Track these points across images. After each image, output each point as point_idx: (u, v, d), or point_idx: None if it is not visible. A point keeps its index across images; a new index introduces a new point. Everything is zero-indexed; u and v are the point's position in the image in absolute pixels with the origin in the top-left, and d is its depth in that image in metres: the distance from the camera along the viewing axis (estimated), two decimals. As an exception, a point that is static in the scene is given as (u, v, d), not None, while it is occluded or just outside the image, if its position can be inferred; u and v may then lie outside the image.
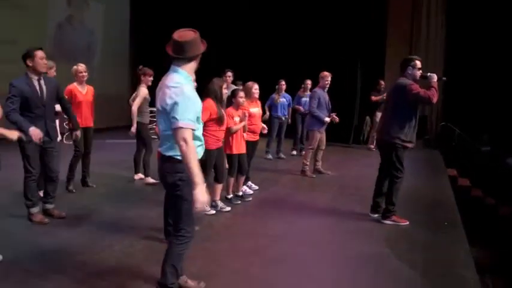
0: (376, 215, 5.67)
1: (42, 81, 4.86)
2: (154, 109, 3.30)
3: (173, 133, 2.99)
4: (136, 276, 3.75)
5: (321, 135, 8.03)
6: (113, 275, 3.76)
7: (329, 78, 7.89)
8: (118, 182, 7.14)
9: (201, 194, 2.89)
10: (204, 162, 5.27)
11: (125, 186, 6.91)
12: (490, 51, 12.59)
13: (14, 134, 3.98)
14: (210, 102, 5.30)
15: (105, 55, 14.21)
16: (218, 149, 5.51)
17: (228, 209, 5.74)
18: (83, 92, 6.35)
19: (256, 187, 6.92)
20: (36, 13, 11.74)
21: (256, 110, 6.38)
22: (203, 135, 3.42)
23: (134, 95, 6.93)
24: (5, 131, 3.94)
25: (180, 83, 3.04)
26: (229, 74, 8.39)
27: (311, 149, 8.02)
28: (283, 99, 9.58)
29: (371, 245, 4.79)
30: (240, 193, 6.33)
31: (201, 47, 3.15)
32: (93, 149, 6.72)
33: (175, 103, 2.97)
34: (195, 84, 3.86)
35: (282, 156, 9.82)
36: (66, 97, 5.68)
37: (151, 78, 6.87)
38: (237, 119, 5.87)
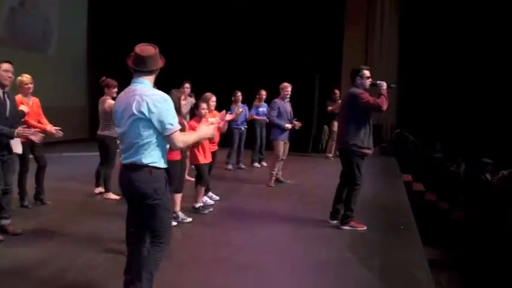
0: (335, 221, 5.81)
1: (5, 94, 4.78)
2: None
3: (169, 138, 3.11)
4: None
5: (284, 146, 8.14)
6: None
7: (289, 89, 8.02)
8: (77, 196, 7.00)
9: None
10: (168, 174, 5.36)
11: (84, 200, 6.80)
12: (443, 61, 13.16)
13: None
14: None
15: (61, 53, 13.51)
16: (181, 159, 5.54)
17: (189, 219, 5.76)
18: (30, 103, 6.01)
19: (217, 197, 6.96)
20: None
21: (214, 120, 6.43)
22: None
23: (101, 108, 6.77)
24: None
25: (156, 91, 3.14)
26: (187, 85, 8.44)
27: (277, 158, 8.10)
28: (241, 109, 9.64)
29: (331, 251, 4.92)
30: (201, 204, 6.36)
31: (160, 63, 3.23)
32: (50, 163, 6.57)
33: (167, 109, 3.08)
34: None
35: (242, 166, 9.89)
36: None
37: (116, 90, 6.64)
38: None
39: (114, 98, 6.57)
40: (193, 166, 6.50)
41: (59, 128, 5.98)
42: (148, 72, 3.19)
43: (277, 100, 8.11)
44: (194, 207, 6.12)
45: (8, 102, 4.80)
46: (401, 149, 12.82)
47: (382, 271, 4.38)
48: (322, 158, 11.98)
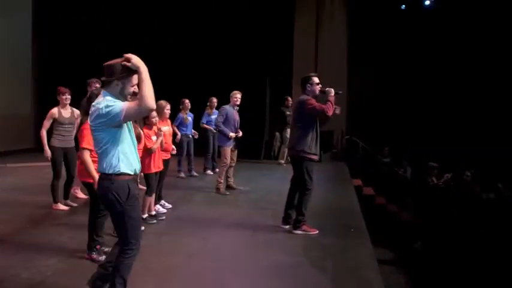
0: (287, 226, 5.88)
1: None
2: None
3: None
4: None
5: (232, 152, 8.17)
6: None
7: (238, 96, 8.07)
8: (23, 207, 6.76)
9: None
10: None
11: (31, 212, 6.56)
12: (390, 68, 13.60)
13: None
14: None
15: (2, 63, 12.81)
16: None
17: (142, 228, 5.65)
18: None
19: (170, 206, 6.89)
20: None
21: (167, 128, 6.39)
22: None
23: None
24: None
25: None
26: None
27: (224, 165, 8.11)
28: (189, 118, 9.60)
29: (284, 255, 4.97)
30: (153, 212, 6.28)
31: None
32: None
33: None
34: None
35: (195, 174, 9.83)
36: None
37: (66, 96, 6.49)
38: (154, 137, 5.87)
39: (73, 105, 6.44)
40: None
41: None
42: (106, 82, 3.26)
43: (226, 106, 8.15)
44: (142, 218, 6.02)
45: None
46: (351, 154, 13.12)
47: (334, 273, 4.48)
48: (274, 164, 12.08)
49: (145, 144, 5.73)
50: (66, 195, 6.82)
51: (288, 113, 11.58)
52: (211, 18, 13.02)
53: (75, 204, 6.81)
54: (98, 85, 6.47)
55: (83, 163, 4.34)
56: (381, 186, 11.08)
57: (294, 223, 5.75)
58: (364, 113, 13.23)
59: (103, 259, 4.32)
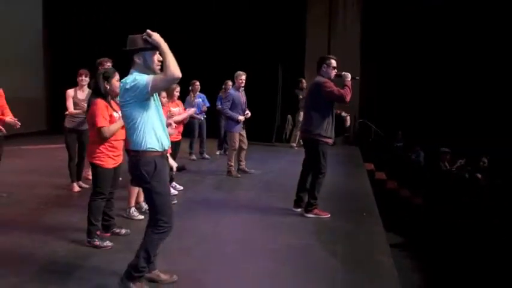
0: (299, 210, 5.85)
1: None
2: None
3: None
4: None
5: (241, 136, 8.13)
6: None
7: (243, 77, 7.98)
8: (36, 188, 6.82)
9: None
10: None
11: (44, 193, 6.61)
12: (405, 52, 13.39)
13: None
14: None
15: (14, 48, 12.87)
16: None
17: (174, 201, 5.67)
18: None
19: (181, 187, 6.90)
20: None
21: (177, 109, 6.36)
22: None
23: None
24: None
25: None
26: None
27: (233, 150, 8.10)
28: (198, 99, 9.55)
29: (295, 239, 4.95)
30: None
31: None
32: (8, 156, 6.37)
33: None
34: None
35: (206, 156, 9.83)
36: None
37: (82, 78, 6.46)
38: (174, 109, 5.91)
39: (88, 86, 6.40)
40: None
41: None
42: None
43: (231, 91, 8.09)
44: None
45: None
46: (363, 138, 13.03)
47: (345, 257, 4.44)
48: (286, 147, 12.05)
49: None
50: (79, 176, 6.86)
51: (301, 96, 11.49)
52: (226, 3, 12.92)
53: (87, 186, 6.84)
54: (109, 64, 6.47)
55: (109, 136, 4.33)
56: (393, 170, 11.00)
57: (306, 206, 5.72)
58: (378, 96, 13.08)
59: (107, 244, 4.35)
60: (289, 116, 12.75)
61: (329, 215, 5.70)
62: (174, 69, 3.03)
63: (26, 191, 6.67)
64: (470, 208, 9.10)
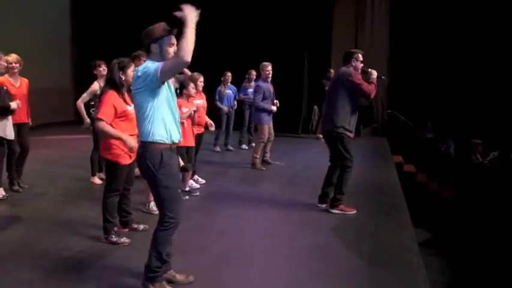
0: (324, 205, 5.65)
1: None
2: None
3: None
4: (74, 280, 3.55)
5: (269, 127, 7.95)
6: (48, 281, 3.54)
7: (269, 68, 7.80)
8: (58, 180, 6.79)
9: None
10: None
11: (66, 185, 6.57)
12: (434, 42, 12.93)
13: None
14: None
15: (43, 40, 12.86)
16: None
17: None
18: (16, 85, 5.87)
19: (203, 181, 6.76)
20: None
21: (200, 102, 6.21)
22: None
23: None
24: None
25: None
26: None
27: (261, 142, 7.92)
28: (229, 90, 9.44)
29: (319, 236, 4.76)
30: (187, 188, 6.17)
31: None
32: (33, 147, 6.32)
33: None
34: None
35: (231, 148, 9.69)
36: None
37: (103, 67, 6.34)
38: (185, 109, 5.71)
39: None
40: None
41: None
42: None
43: (260, 83, 7.90)
44: (183, 191, 5.95)
45: None
46: (392, 129, 12.68)
47: (371, 256, 4.24)
48: (313, 139, 11.81)
49: None
50: (101, 168, 6.79)
51: (327, 87, 11.20)
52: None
53: None
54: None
55: (103, 132, 4.15)
56: (422, 163, 10.66)
57: (332, 202, 5.52)
58: (406, 87, 12.65)
59: (124, 241, 4.24)
60: (315, 107, 12.48)
61: (355, 211, 5.48)
62: (185, 52, 2.86)
63: (48, 182, 6.64)
64: (504, 202, 8.73)
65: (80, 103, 6.42)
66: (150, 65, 3.06)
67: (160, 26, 3.16)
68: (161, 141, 3.14)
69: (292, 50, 12.51)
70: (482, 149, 10.61)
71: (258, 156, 7.94)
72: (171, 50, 3.14)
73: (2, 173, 5.80)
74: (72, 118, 13.20)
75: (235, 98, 9.67)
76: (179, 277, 3.52)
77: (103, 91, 4.29)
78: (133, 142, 4.01)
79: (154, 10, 12.70)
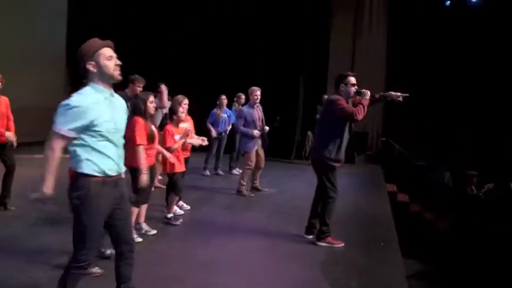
0: (310, 237, 5.42)
1: None
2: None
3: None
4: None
5: (258, 154, 7.72)
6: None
7: (258, 93, 7.62)
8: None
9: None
10: (135, 183, 4.90)
11: (45, 208, 6.28)
12: (429, 71, 12.86)
13: None
14: (139, 120, 4.94)
15: (34, 54, 12.69)
16: (150, 167, 5.11)
17: (154, 232, 5.32)
18: None
19: (188, 207, 6.53)
20: None
21: (187, 125, 6.02)
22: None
23: None
24: None
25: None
26: (163, 87, 7.77)
27: (249, 169, 7.69)
28: (224, 114, 9.23)
29: (305, 270, 4.53)
30: (170, 215, 5.92)
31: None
32: (19, 165, 6.08)
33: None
34: None
35: (220, 173, 9.46)
36: None
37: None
38: (177, 136, 5.53)
39: None
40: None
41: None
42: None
43: (244, 108, 7.72)
44: (166, 218, 5.72)
45: None
46: (386, 157, 12.50)
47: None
48: (305, 165, 11.55)
49: (166, 142, 5.42)
50: None
51: (318, 115, 11.08)
52: (246, 13, 12.59)
53: None
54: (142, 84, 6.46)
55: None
56: (416, 192, 10.44)
57: (318, 234, 5.27)
58: (402, 114, 12.50)
59: (96, 271, 3.98)
60: (309, 132, 12.32)
61: (343, 244, 5.24)
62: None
63: (28, 204, 6.35)
64: (499, 236, 8.49)
65: None
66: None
67: (93, 41, 2.92)
68: (91, 174, 2.87)
69: (288, 75, 12.40)
70: (477, 180, 10.40)
71: (244, 184, 7.70)
72: (111, 63, 2.89)
73: None
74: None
75: (230, 122, 9.44)
76: None
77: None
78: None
79: (149, 27, 12.75)
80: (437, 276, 7.06)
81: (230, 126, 9.39)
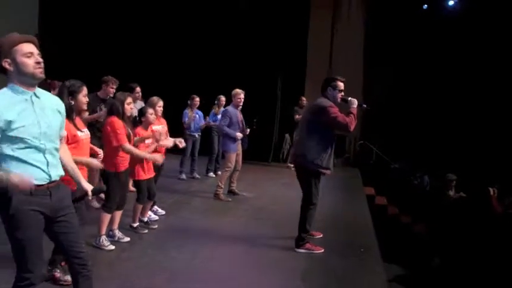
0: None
1: None
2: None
3: None
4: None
5: (237, 156, 7.57)
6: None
7: (242, 96, 7.44)
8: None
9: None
10: (108, 187, 4.66)
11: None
12: (409, 72, 12.87)
13: None
14: (116, 120, 4.72)
15: None
16: (126, 170, 4.89)
17: (127, 239, 5.10)
18: None
19: (163, 212, 6.31)
20: None
21: (160, 127, 5.81)
22: None
23: None
24: None
25: None
26: (138, 89, 7.53)
27: (228, 171, 7.51)
28: (196, 115, 9.01)
29: (283, 278, 4.38)
30: (145, 219, 5.71)
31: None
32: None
33: None
34: None
35: (197, 176, 9.23)
36: None
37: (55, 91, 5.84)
38: (148, 140, 5.30)
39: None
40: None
41: None
42: None
43: (229, 108, 7.54)
44: (132, 227, 5.47)
45: None
46: (364, 160, 12.45)
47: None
48: (283, 168, 11.44)
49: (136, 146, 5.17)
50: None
51: (297, 116, 10.99)
52: (223, 14, 12.36)
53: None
54: (115, 86, 6.32)
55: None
56: (394, 195, 10.41)
57: (297, 241, 5.11)
58: (380, 117, 12.48)
59: (67, 279, 3.75)
60: (287, 135, 12.19)
61: (322, 250, 5.10)
62: None
63: None
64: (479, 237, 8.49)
65: None
66: None
67: (9, 36, 2.58)
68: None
69: (265, 76, 12.22)
70: (456, 184, 10.39)
71: (222, 187, 7.51)
72: (30, 61, 2.56)
73: None
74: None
75: (200, 123, 9.21)
76: None
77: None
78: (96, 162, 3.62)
79: (126, 32, 12.39)
80: (414, 280, 7.03)
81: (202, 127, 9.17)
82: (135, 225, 5.51)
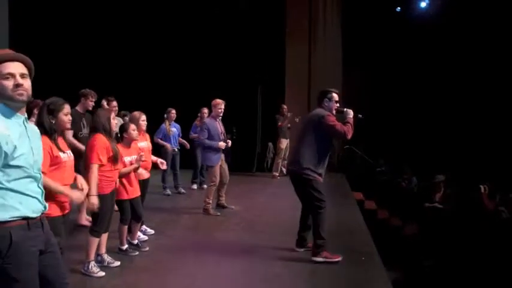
0: (302, 249, 5.25)
1: None
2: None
3: None
4: None
5: (222, 169, 7.33)
6: None
7: (222, 106, 7.22)
8: None
9: None
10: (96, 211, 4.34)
11: None
12: (388, 75, 12.88)
13: None
14: (101, 138, 4.42)
15: None
16: (112, 192, 4.59)
17: (117, 263, 4.80)
18: None
19: (152, 231, 6.01)
20: None
21: (144, 144, 5.54)
22: None
23: None
24: None
25: None
26: (115, 103, 7.16)
27: (213, 185, 7.25)
28: (174, 129, 8.70)
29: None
30: (135, 241, 5.41)
31: None
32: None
33: None
34: None
35: (182, 191, 8.94)
36: None
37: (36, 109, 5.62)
38: (128, 158, 4.98)
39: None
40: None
41: None
42: None
43: (207, 120, 7.35)
44: (121, 250, 5.17)
45: None
46: (350, 165, 12.35)
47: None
48: (268, 177, 11.26)
49: None
50: None
51: (280, 123, 10.87)
52: (201, 25, 12.13)
53: None
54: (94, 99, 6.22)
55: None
56: (383, 199, 10.32)
57: (314, 248, 5.00)
58: (363, 120, 12.43)
59: None
60: (270, 144, 12.03)
61: (340, 258, 4.97)
62: None
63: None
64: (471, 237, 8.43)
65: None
66: None
67: None
68: (10, 219, 2.31)
69: (245, 85, 12.03)
70: (444, 185, 10.34)
71: (210, 202, 7.24)
72: (8, 82, 2.32)
73: None
74: None
75: (179, 137, 8.94)
76: None
77: None
78: (77, 195, 3.32)
79: (99, 44, 12.04)
80: (409, 282, 6.90)
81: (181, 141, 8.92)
82: (124, 247, 5.21)
